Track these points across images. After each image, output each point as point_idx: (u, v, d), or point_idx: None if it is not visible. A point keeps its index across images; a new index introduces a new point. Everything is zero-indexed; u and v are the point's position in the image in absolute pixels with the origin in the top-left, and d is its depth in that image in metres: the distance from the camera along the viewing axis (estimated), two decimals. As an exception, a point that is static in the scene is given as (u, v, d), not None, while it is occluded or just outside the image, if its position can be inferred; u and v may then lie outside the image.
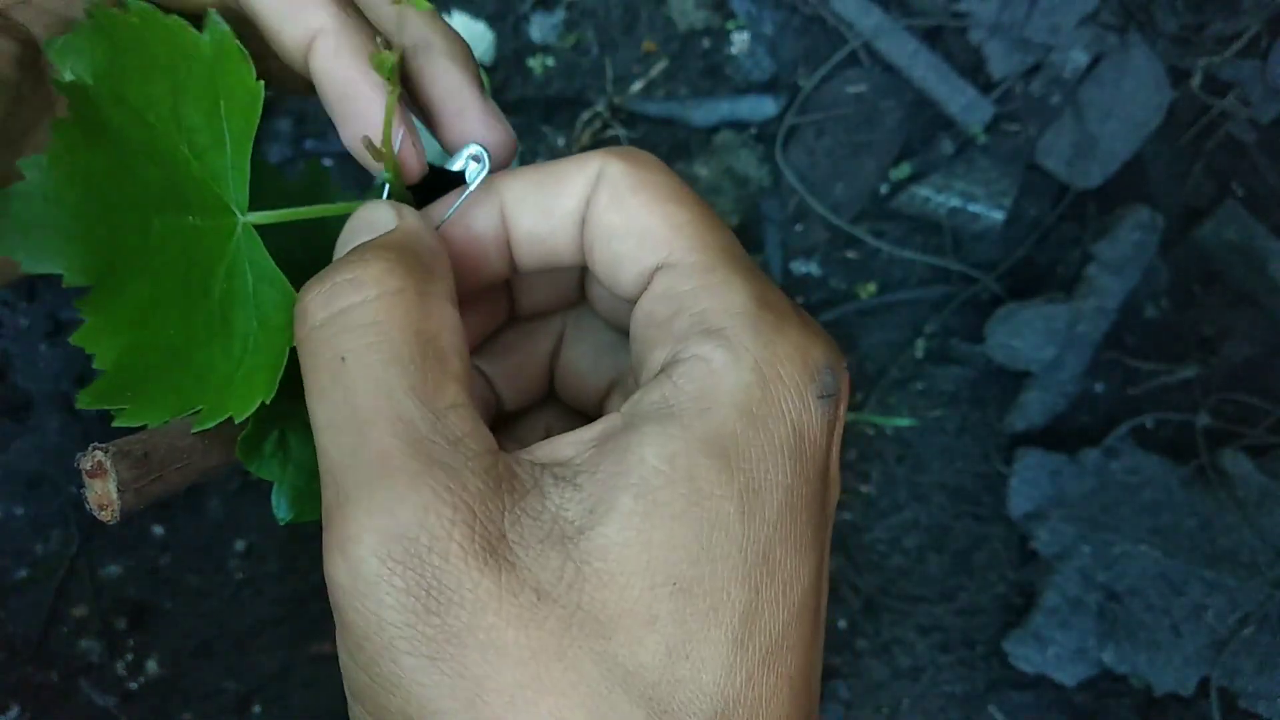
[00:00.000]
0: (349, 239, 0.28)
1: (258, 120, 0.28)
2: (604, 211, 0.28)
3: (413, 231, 0.27)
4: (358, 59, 0.29)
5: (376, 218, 0.28)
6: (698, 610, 0.23)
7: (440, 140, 0.31)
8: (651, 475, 0.23)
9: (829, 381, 0.26)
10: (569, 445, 0.25)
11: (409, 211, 0.28)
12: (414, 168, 0.30)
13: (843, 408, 0.27)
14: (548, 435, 0.35)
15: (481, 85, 0.31)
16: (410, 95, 0.31)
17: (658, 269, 0.27)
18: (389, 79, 0.27)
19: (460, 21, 0.89)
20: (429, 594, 0.22)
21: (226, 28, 0.28)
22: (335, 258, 0.28)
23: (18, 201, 0.28)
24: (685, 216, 0.27)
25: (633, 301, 0.29)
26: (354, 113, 0.29)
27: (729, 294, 0.26)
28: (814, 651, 0.26)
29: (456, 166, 0.28)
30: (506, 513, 0.23)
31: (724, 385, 0.25)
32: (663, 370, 0.26)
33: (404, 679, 0.22)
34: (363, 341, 0.24)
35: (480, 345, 0.34)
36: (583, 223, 0.29)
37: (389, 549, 0.22)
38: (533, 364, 0.35)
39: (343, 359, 0.24)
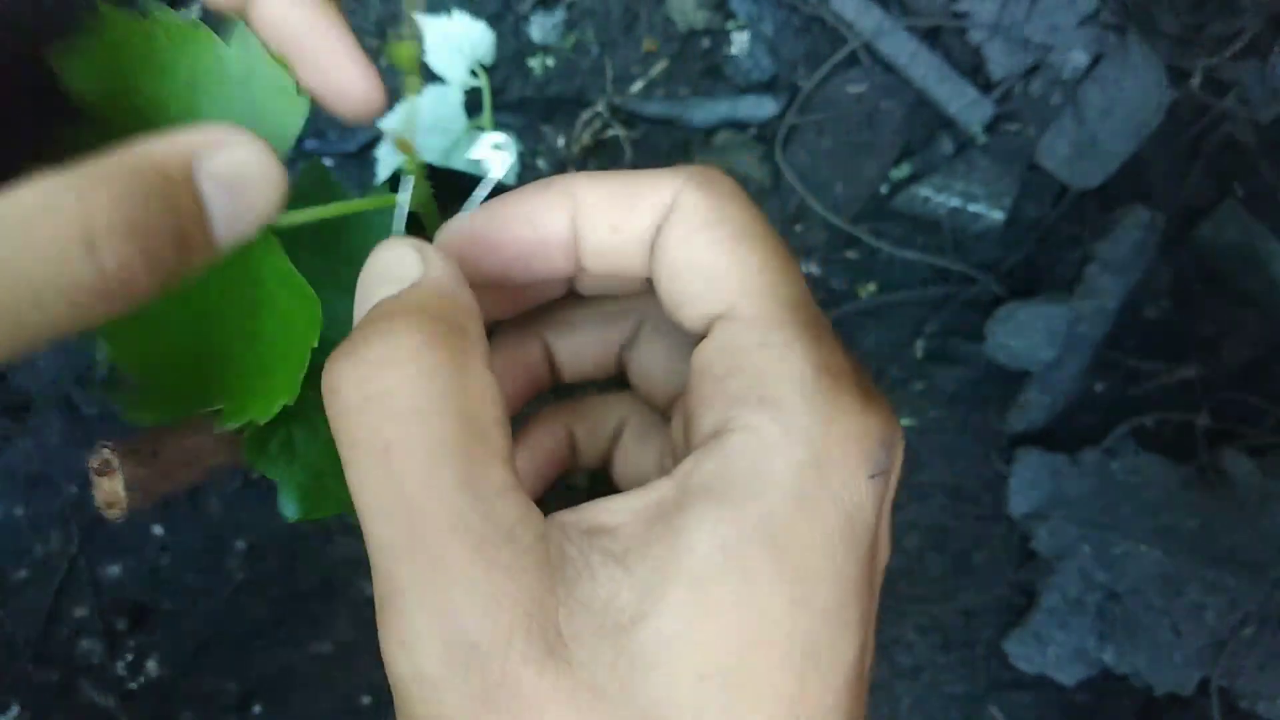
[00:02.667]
0: (370, 289, 0.26)
1: (299, 130, 0.27)
2: (675, 245, 0.27)
3: (442, 286, 0.26)
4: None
5: (400, 267, 0.26)
6: (744, 700, 0.23)
7: (304, 85, 0.29)
8: (702, 565, 0.23)
9: (882, 459, 0.26)
10: (616, 513, 0.25)
11: (433, 255, 0.26)
12: (374, 101, 0.29)
13: (894, 478, 0.26)
14: (619, 429, 0.35)
15: (345, 22, 0.29)
16: (255, 28, 0.29)
17: (720, 317, 0.27)
18: (409, 70, 0.26)
19: (460, 21, 0.89)
20: (490, 695, 0.22)
21: (254, 37, 0.27)
22: (357, 305, 0.27)
23: None
24: (756, 262, 0.26)
25: (696, 338, 0.28)
26: (314, 56, 0.28)
27: (788, 358, 0.25)
28: (858, 714, 0.26)
29: (475, 154, 0.28)
30: (561, 606, 0.23)
31: (775, 465, 0.24)
32: (715, 437, 0.25)
33: None
34: (406, 430, 0.23)
35: (549, 316, 0.33)
36: (652, 245, 0.28)
37: (451, 654, 0.22)
38: (601, 348, 0.34)
39: (387, 449, 0.23)
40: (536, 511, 0.24)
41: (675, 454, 0.32)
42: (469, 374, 0.24)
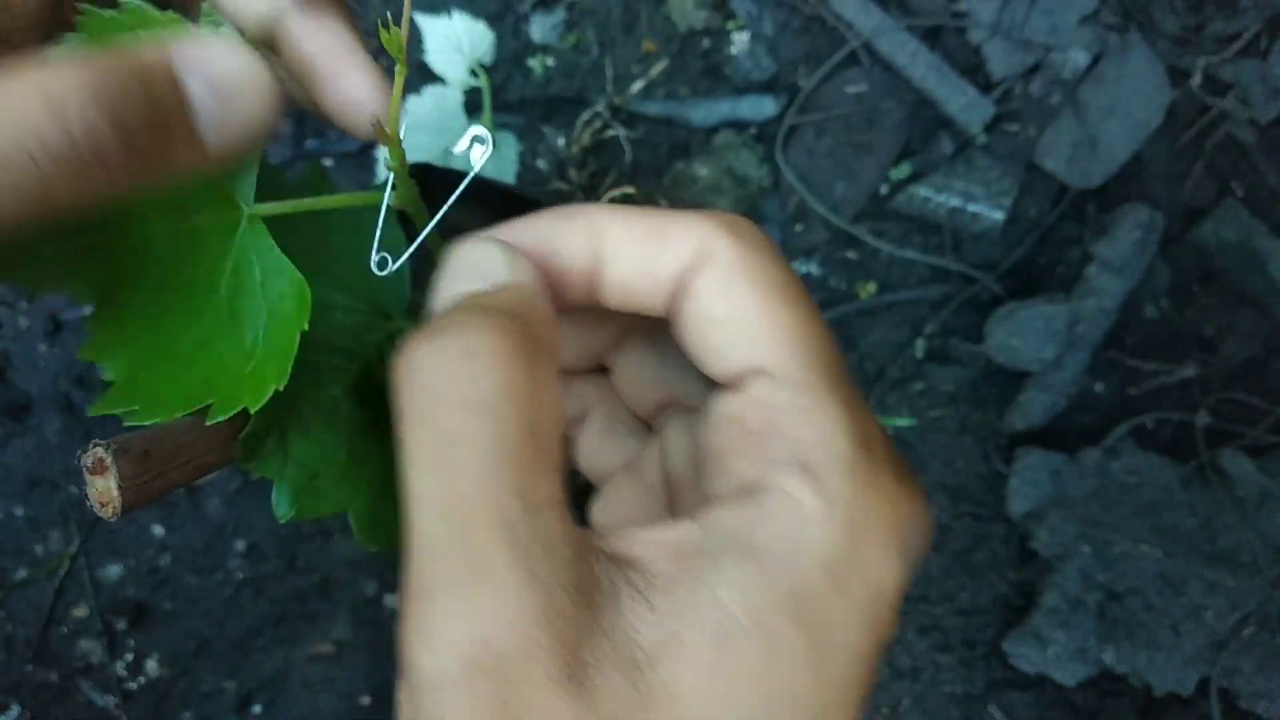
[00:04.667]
0: (455, 281, 0.27)
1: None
2: (709, 295, 0.27)
3: (528, 294, 0.26)
4: (340, 21, 0.29)
5: (487, 264, 0.26)
6: None
7: (321, 101, 0.31)
8: (728, 622, 0.23)
9: (915, 544, 0.26)
10: (642, 544, 0.25)
11: (522, 261, 0.27)
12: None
13: (918, 558, 0.27)
14: (584, 414, 0.35)
15: (362, 40, 0.31)
16: (283, 50, 0.30)
17: (755, 371, 0.27)
18: (398, 58, 0.27)
19: (460, 21, 0.90)
20: (506, 708, 0.22)
21: (225, 22, 0.27)
22: (438, 294, 0.27)
23: None
24: (792, 320, 0.27)
25: (723, 385, 0.28)
26: (342, 77, 0.29)
27: (828, 427, 0.26)
28: None
29: (460, 149, 0.28)
30: (588, 636, 0.23)
31: (812, 536, 0.24)
32: (749, 493, 0.26)
33: None
34: (475, 425, 0.23)
35: None
36: (675, 290, 0.28)
37: (477, 658, 0.22)
38: (580, 349, 0.34)
39: (450, 440, 0.23)
40: (578, 531, 0.24)
41: (667, 474, 0.32)
42: (539, 383, 0.24)
